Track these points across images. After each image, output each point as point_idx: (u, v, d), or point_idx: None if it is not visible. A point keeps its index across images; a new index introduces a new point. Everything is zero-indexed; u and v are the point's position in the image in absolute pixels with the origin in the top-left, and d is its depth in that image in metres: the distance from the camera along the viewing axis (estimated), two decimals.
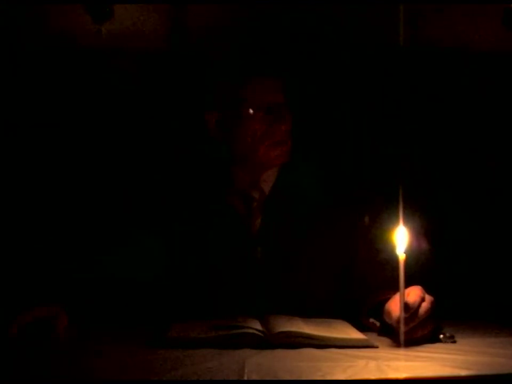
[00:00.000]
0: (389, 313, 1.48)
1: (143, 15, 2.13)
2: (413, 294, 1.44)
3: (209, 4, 2.11)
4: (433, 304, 1.46)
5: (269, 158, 1.77)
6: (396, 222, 1.43)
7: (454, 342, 1.46)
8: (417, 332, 1.43)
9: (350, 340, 1.43)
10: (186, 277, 1.74)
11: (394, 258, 1.40)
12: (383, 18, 2.11)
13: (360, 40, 2.20)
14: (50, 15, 2.10)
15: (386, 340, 1.48)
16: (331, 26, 2.17)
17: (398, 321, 1.41)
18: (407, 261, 1.39)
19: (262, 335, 1.40)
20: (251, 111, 1.74)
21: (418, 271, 1.55)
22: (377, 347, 1.41)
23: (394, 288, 1.43)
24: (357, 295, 1.70)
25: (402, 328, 1.40)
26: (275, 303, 1.67)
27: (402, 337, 1.40)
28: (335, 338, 1.42)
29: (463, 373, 1.18)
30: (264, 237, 1.76)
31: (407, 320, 1.40)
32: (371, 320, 1.61)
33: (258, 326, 1.44)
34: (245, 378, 1.15)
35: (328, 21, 2.16)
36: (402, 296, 1.40)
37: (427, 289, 1.49)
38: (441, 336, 1.47)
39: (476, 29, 2.18)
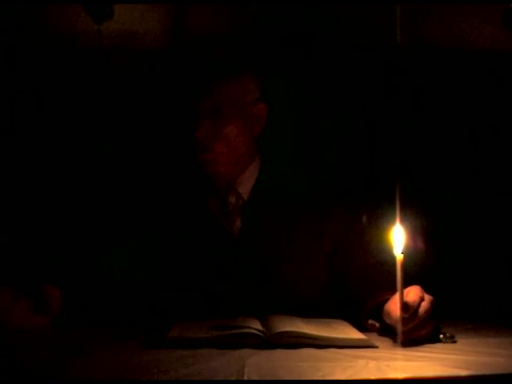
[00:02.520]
0: (389, 314, 1.48)
1: (143, 15, 2.13)
2: (412, 293, 1.44)
3: (209, 4, 2.11)
4: (433, 304, 1.46)
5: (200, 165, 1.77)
6: (392, 221, 1.43)
7: (454, 342, 1.46)
8: (417, 332, 1.43)
9: (350, 339, 1.43)
10: (172, 280, 1.73)
11: (392, 259, 1.40)
12: (383, 18, 2.10)
13: (359, 40, 2.20)
14: (50, 15, 2.10)
15: (386, 340, 1.48)
16: (330, 26, 2.17)
17: (397, 321, 1.41)
18: (405, 261, 1.39)
19: (262, 335, 1.40)
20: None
21: (417, 270, 1.55)
22: (377, 347, 1.41)
23: (393, 289, 1.43)
24: (356, 296, 1.70)
25: (401, 328, 1.40)
26: (263, 305, 1.66)
27: (401, 337, 1.40)
28: (335, 338, 1.42)
29: (463, 373, 1.18)
30: (244, 240, 1.76)
31: (407, 320, 1.40)
32: (370, 321, 1.60)
33: (258, 326, 1.44)
34: (245, 378, 1.15)
35: (327, 20, 2.16)
36: (401, 296, 1.40)
37: (426, 289, 1.49)
38: (441, 336, 1.47)
39: (476, 29, 2.18)
